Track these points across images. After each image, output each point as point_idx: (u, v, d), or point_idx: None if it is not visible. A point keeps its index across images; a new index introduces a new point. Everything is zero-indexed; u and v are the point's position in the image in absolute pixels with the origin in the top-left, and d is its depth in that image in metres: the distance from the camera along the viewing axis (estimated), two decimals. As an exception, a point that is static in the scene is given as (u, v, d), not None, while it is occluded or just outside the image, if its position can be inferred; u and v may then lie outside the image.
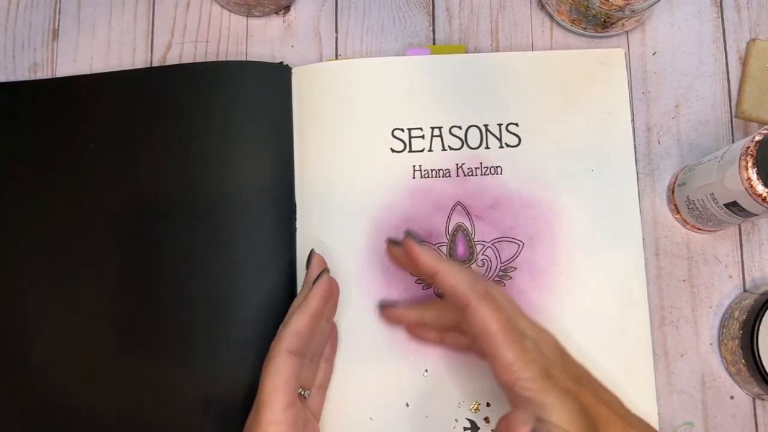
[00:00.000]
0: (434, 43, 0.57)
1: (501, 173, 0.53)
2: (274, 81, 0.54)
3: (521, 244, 0.52)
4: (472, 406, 0.50)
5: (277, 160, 0.53)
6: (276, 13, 0.57)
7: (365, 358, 0.51)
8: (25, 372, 0.51)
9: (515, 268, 0.52)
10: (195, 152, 0.53)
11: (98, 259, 0.52)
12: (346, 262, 0.52)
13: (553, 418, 0.39)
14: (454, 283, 0.43)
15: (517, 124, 0.54)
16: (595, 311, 0.51)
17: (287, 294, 0.51)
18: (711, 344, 0.53)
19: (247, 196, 0.52)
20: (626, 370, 0.50)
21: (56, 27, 0.57)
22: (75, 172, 0.53)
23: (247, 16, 0.57)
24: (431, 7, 0.57)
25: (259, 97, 0.54)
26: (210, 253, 0.51)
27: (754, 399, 0.52)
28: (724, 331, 0.52)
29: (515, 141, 0.54)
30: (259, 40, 0.57)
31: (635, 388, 0.50)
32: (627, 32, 0.56)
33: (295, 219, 0.53)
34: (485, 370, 0.43)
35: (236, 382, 0.50)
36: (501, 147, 0.54)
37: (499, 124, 0.54)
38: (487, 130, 0.54)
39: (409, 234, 0.47)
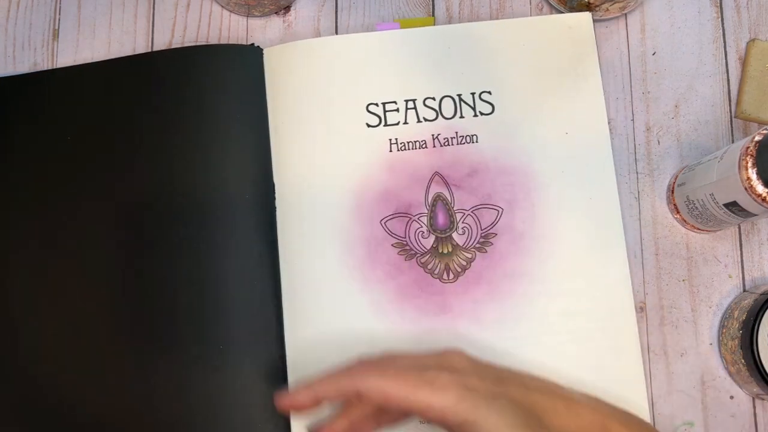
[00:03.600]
0: (434, 43, 0.57)
1: (476, 141, 0.53)
2: (246, 63, 0.54)
3: (500, 210, 0.53)
4: None
5: (253, 143, 0.53)
6: (276, 13, 0.57)
7: (351, 336, 0.50)
8: (24, 373, 0.51)
9: (496, 234, 0.52)
10: (168, 142, 0.53)
11: (86, 259, 0.52)
12: (329, 239, 0.52)
13: (490, 428, 0.38)
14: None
15: (490, 92, 0.54)
16: (575, 272, 0.51)
17: (269, 274, 0.51)
18: (711, 344, 0.53)
19: (225, 181, 0.52)
20: (609, 328, 0.51)
21: (56, 27, 0.57)
22: (56, 168, 0.53)
23: (247, 16, 0.57)
24: (431, 7, 0.57)
25: (232, 80, 0.53)
26: (189, 238, 0.51)
27: (754, 399, 0.52)
28: (724, 331, 0.52)
29: (489, 109, 0.54)
30: (259, 41, 0.57)
31: (620, 349, 0.50)
32: (627, 32, 0.56)
33: (274, 199, 0.52)
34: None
35: (230, 382, 0.50)
36: (475, 116, 0.54)
37: (472, 93, 0.54)
38: (460, 99, 0.54)
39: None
